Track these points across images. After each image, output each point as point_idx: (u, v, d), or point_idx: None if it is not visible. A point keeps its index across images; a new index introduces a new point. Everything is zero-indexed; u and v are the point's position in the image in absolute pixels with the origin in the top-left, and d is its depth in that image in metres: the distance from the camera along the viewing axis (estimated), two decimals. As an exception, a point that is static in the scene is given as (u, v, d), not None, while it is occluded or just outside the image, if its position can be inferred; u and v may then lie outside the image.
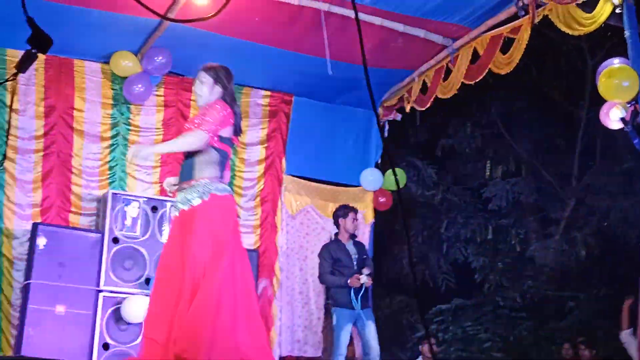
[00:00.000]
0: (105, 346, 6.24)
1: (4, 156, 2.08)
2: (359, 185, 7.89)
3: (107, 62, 6.89)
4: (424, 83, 7.23)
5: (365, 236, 7.81)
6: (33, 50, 1.49)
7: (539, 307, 9.75)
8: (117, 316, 6.35)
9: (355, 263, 6.53)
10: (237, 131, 4.23)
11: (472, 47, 6.49)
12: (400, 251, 11.72)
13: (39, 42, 1.48)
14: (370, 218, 7.89)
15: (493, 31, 6.28)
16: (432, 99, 7.13)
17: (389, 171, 7.91)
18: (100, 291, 6.31)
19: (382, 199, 7.89)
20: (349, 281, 6.41)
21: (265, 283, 7.25)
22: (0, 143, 6.47)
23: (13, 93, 6.38)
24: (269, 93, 7.63)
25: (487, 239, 10.41)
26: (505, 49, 6.19)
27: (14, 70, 6.55)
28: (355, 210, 6.81)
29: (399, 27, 6.48)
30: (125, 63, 6.81)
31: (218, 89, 4.22)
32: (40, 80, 6.69)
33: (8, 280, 6.41)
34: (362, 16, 6.30)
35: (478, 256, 10.69)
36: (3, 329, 6.31)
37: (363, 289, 6.45)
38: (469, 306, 10.14)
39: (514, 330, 9.68)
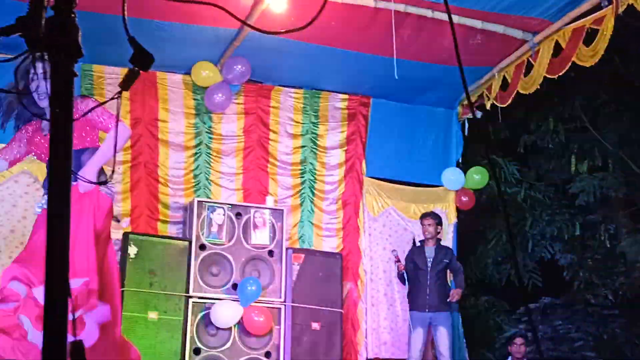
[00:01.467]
0: (197, 351, 6.39)
1: (113, 171, 2.14)
2: (440, 185, 7.81)
3: (188, 73, 7.06)
4: (504, 79, 7.11)
5: (448, 236, 7.73)
6: (135, 69, 1.54)
7: (632, 304, 9.41)
8: (206, 321, 6.49)
9: (429, 267, 6.68)
10: None
11: (553, 40, 6.34)
12: (484, 250, 11.52)
13: (141, 60, 1.53)
14: (453, 218, 7.80)
15: (575, 23, 6.12)
16: (513, 95, 7.00)
17: (471, 170, 7.81)
18: (190, 297, 6.46)
19: (464, 198, 7.79)
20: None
21: (350, 286, 7.27)
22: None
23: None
24: (346, 96, 7.65)
25: (575, 235, 10.11)
26: (587, 41, 6.02)
27: (102, 86, 6.84)
28: (426, 215, 6.98)
29: (478, 24, 6.39)
30: (206, 73, 6.96)
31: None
32: (126, 94, 6.90)
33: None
34: (440, 15, 6.24)
35: (565, 253, 10.39)
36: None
37: (429, 291, 6.64)
38: (559, 305, 9.88)
39: (606, 328, 9.38)
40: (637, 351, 9.18)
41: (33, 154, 4.04)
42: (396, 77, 6.01)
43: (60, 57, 1.44)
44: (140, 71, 1.50)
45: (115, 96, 1.60)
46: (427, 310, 6.64)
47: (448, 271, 6.93)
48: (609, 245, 9.72)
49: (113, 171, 2.31)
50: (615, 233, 9.76)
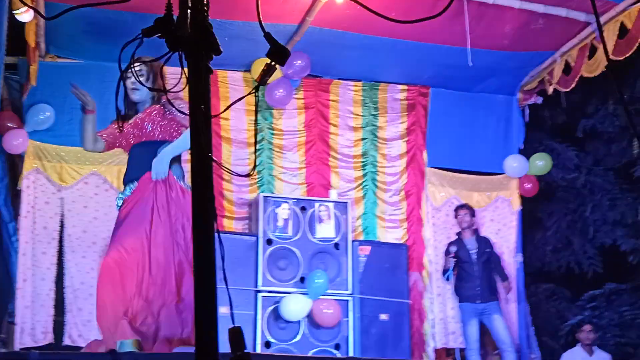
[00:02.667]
0: (267, 344, 6.46)
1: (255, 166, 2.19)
2: (502, 173, 7.74)
3: (248, 70, 7.11)
4: (566, 63, 7.01)
5: (512, 224, 7.69)
6: (272, 63, 1.57)
7: (702, 288, 9.21)
8: (275, 315, 6.55)
9: (475, 257, 6.74)
10: None
11: (619, 21, 6.22)
12: (543, 238, 11.37)
13: (278, 55, 1.56)
14: (516, 205, 7.73)
15: (641, 2, 6.00)
16: (576, 79, 6.90)
17: (534, 156, 7.72)
18: (259, 291, 6.53)
19: (527, 185, 7.71)
20: (503, 286, 6.94)
21: (416, 276, 7.26)
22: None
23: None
24: (405, 87, 7.63)
25: (638, 219, 9.92)
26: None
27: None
28: (463, 207, 7.14)
29: (540, 8, 6.31)
30: (266, 69, 7.00)
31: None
32: (187, 95, 6.99)
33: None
34: (501, 0, 6.18)
35: (628, 238, 10.19)
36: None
37: (479, 282, 6.66)
38: (624, 290, 9.70)
39: (676, 313, 9.19)
40: None
41: (121, 142, 4.07)
42: (470, 64, 5.96)
43: (200, 54, 1.48)
44: (282, 65, 1.53)
45: (252, 91, 1.63)
46: (478, 301, 6.72)
47: None
48: (675, 229, 9.52)
49: (255, 166, 2.34)
50: (681, 216, 9.55)
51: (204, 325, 1.43)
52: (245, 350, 1.48)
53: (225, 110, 3.45)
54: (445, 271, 6.99)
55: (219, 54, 1.51)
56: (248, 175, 3.57)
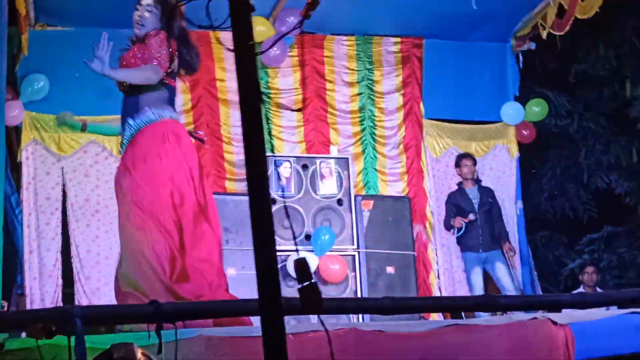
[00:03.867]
0: (277, 302, 6.49)
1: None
2: (499, 121, 7.76)
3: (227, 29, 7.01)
4: (560, 6, 6.98)
5: (512, 171, 7.74)
6: (317, -4, 1.56)
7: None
8: (283, 273, 6.58)
9: (476, 207, 6.77)
10: (190, 68, 4.12)
11: (611, -40, 6.19)
12: (537, 186, 11.44)
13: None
14: (515, 153, 7.78)
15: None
16: (570, 22, 6.88)
17: (530, 102, 7.75)
18: (266, 251, 6.54)
19: (525, 132, 7.75)
20: (452, 221, 6.82)
21: (419, 228, 7.31)
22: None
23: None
24: (399, 39, 7.59)
25: (632, 162, 9.99)
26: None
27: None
28: (467, 156, 7.08)
29: (532, -50, 6.27)
30: (259, 28, 6.92)
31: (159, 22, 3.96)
32: (181, 56, 6.92)
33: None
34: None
35: (623, 181, 10.28)
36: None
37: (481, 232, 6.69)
38: (622, 232, 9.82)
39: (674, 251, 9.33)
40: None
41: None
42: (474, 7, 5.93)
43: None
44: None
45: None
46: (480, 251, 6.78)
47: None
48: (670, 168, 9.61)
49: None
50: (676, 155, 9.64)
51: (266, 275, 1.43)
52: (313, 281, 1.50)
53: (271, 47, 3.42)
54: (450, 228, 6.99)
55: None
56: (299, 110, 3.58)
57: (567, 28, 6.98)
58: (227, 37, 7.08)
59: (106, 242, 6.51)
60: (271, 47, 4.00)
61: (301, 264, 1.49)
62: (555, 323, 3.46)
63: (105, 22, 6.66)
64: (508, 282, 6.77)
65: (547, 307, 2.30)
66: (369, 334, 3.29)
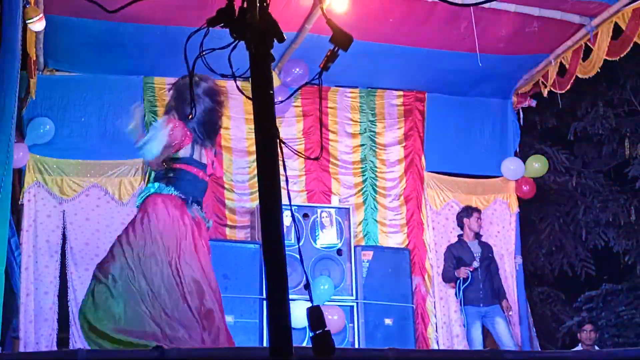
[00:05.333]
0: (274, 352, 6.43)
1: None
2: (499, 176, 7.82)
3: (247, 79, 7.10)
4: (561, 65, 7.11)
5: (511, 226, 7.76)
6: (336, 49, 1.61)
7: (697, 286, 9.32)
8: (281, 322, 6.53)
9: (478, 260, 6.77)
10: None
11: (612, 22, 6.33)
12: (536, 241, 11.45)
13: (341, 40, 1.60)
14: (515, 208, 7.81)
15: (635, 4, 6.10)
16: (571, 81, 6.99)
17: (530, 158, 7.81)
18: (264, 299, 6.52)
19: (525, 188, 7.79)
20: (456, 272, 6.75)
21: (418, 280, 7.29)
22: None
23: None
24: (402, 93, 7.69)
25: (631, 221, 10.02)
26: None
27: (163, 97, 6.95)
28: (478, 210, 7.11)
29: (535, 11, 6.40)
30: (264, 78, 7.02)
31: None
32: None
33: (175, 296, 6.71)
34: (496, 4, 6.26)
35: (621, 239, 10.30)
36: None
37: (482, 286, 6.65)
38: (620, 291, 9.80)
39: (672, 311, 9.29)
40: None
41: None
42: (480, 65, 6.04)
43: (266, 40, 1.50)
44: (345, 51, 1.55)
45: (316, 77, 1.66)
46: (481, 305, 6.74)
47: None
48: (667, 229, 9.63)
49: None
50: (674, 215, 9.67)
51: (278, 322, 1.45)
52: (326, 329, 1.50)
53: (290, 97, 3.61)
54: (449, 280, 6.96)
55: (283, 41, 1.53)
56: (317, 159, 3.63)
57: (568, 87, 7.08)
58: (233, 85, 7.16)
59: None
60: (289, 97, 4.15)
61: (315, 312, 1.50)
62: None
63: (114, 69, 6.79)
64: (507, 338, 6.73)
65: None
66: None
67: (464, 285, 6.75)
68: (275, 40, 1.50)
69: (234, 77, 1.60)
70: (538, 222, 11.21)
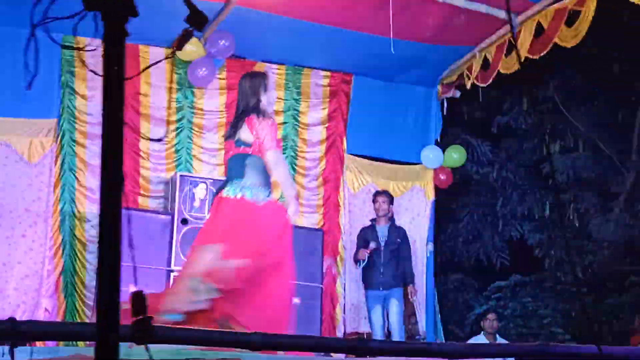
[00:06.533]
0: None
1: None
2: (419, 163, 7.90)
3: (171, 47, 6.98)
4: (485, 59, 7.20)
5: (426, 213, 7.86)
6: (190, 29, 1.56)
7: (600, 282, 9.67)
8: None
9: (383, 245, 6.82)
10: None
11: (535, 20, 6.43)
12: (455, 229, 11.69)
13: (196, 20, 1.55)
14: (431, 196, 7.91)
15: (558, 4, 6.22)
16: (494, 75, 7.10)
17: (449, 148, 7.91)
18: (171, 271, 6.46)
19: (442, 177, 7.90)
20: (356, 254, 6.90)
21: (330, 262, 7.33)
22: (70, 129, 6.68)
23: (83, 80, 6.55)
24: (329, 73, 7.66)
25: (545, 215, 10.33)
26: (569, 22, 6.12)
27: (82, 56, 6.74)
28: (383, 193, 7.13)
29: (461, 2, 6.45)
30: (189, 47, 6.89)
31: None
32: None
33: (82, 262, 6.60)
34: (425, -7, 6.29)
35: (535, 233, 10.62)
36: (79, 310, 6.51)
37: (382, 270, 6.74)
38: (528, 282, 10.10)
39: (575, 305, 9.63)
40: (605, 327, 9.44)
41: None
42: (392, 52, 6.04)
43: (117, 14, 1.45)
44: (200, 31, 1.51)
45: (170, 55, 1.61)
46: (381, 289, 6.81)
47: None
48: (578, 225, 9.95)
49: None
50: (585, 212, 10.00)
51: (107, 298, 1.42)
52: (147, 315, 1.48)
53: (138, 75, 3.50)
54: (357, 261, 7.03)
55: (136, 16, 1.48)
56: (159, 140, 3.59)
57: (490, 81, 7.18)
58: (157, 52, 7.03)
59: (4, 248, 6.30)
60: (135, 75, 3.97)
61: (138, 297, 1.47)
62: None
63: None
64: (395, 320, 6.76)
65: (418, 355, 2.35)
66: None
67: (360, 267, 6.86)
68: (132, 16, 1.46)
69: (78, 49, 1.51)
70: (458, 211, 11.45)
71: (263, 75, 4.60)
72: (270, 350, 2.72)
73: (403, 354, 2.46)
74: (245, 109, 4.40)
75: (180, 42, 1.62)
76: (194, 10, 1.52)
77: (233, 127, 4.46)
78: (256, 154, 4.32)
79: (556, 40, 6.21)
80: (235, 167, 4.38)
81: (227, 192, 4.33)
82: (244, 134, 4.34)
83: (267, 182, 4.38)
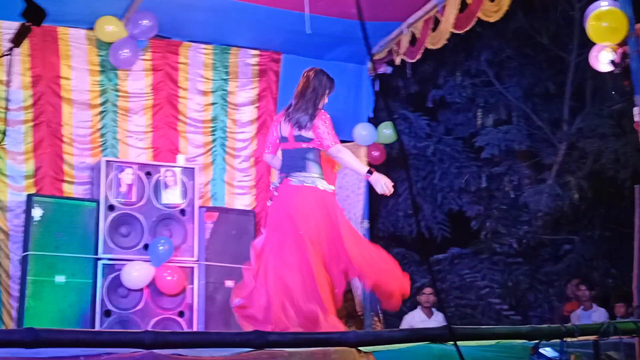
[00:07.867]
0: (107, 313, 6.30)
1: (4, 134, 2.03)
2: (351, 141, 7.86)
3: (91, 28, 6.77)
4: (413, 34, 7.18)
5: (360, 190, 7.84)
6: (27, 24, 1.47)
7: (535, 251, 9.83)
8: (117, 283, 6.38)
9: None
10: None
11: (460, -5, 6.42)
12: (395, 204, 11.73)
13: (33, 15, 1.46)
14: (364, 173, 7.87)
15: (481, -21, 6.21)
16: (421, 50, 7.09)
17: (381, 125, 7.89)
18: (99, 259, 6.34)
19: (375, 153, 7.88)
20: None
21: (263, 243, 7.27)
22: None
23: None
24: (257, 52, 7.55)
25: (481, 187, 10.43)
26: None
27: (8, 43, 6.49)
28: None
29: (386, -22, 6.40)
30: (110, 28, 6.70)
31: None
32: (25, 50, 6.56)
33: (5, 252, 6.41)
34: (349, -32, 6.19)
35: (472, 205, 10.71)
36: (3, 301, 6.33)
37: None
38: (466, 254, 10.21)
39: (511, 275, 9.77)
40: (539, 297, 9.63)
41: None
42: (309, 32, 5.96)
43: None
44: (38, 26, 1.42)
45: (6, 53, 1.52)
46: None
47: None
48: (513, 196, 10.08)
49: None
50: (519, 184, 10.12)
51: None
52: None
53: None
54: None
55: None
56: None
57: (419, 56, 7.16)
58: (77, 34, 6.82)
59: None
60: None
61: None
62: (359, 351, 3.52)
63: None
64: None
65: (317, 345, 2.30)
66: (167, 358, 3.21)
67: None
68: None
69: None
70: (397, 186, 11.47)
71: (332, 81, 5.04)
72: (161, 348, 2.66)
73: (303, 346, 2.42)
74: (315, 103, 4.82)
75: (18, 38, 1.52)
76: (31, 5, 1.43)
77: (298, 113, 4.77)
78: (317, 147, 4.74)
79: (479, 15, 6.21)
80: (295, 159, 4.77)
81: (298, 181, 4.69)
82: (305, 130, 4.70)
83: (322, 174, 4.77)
